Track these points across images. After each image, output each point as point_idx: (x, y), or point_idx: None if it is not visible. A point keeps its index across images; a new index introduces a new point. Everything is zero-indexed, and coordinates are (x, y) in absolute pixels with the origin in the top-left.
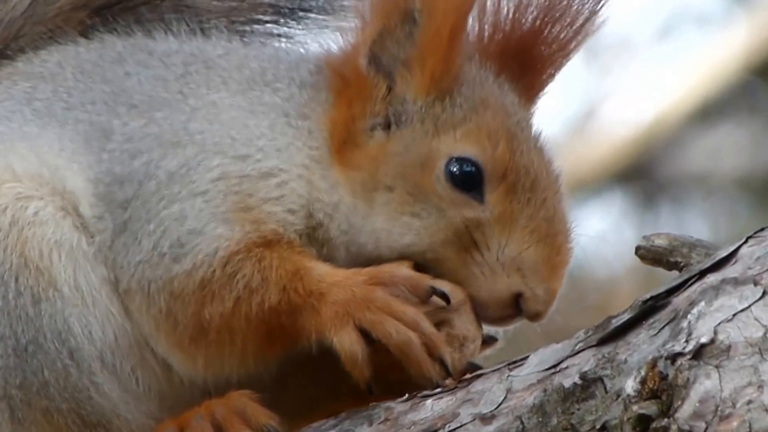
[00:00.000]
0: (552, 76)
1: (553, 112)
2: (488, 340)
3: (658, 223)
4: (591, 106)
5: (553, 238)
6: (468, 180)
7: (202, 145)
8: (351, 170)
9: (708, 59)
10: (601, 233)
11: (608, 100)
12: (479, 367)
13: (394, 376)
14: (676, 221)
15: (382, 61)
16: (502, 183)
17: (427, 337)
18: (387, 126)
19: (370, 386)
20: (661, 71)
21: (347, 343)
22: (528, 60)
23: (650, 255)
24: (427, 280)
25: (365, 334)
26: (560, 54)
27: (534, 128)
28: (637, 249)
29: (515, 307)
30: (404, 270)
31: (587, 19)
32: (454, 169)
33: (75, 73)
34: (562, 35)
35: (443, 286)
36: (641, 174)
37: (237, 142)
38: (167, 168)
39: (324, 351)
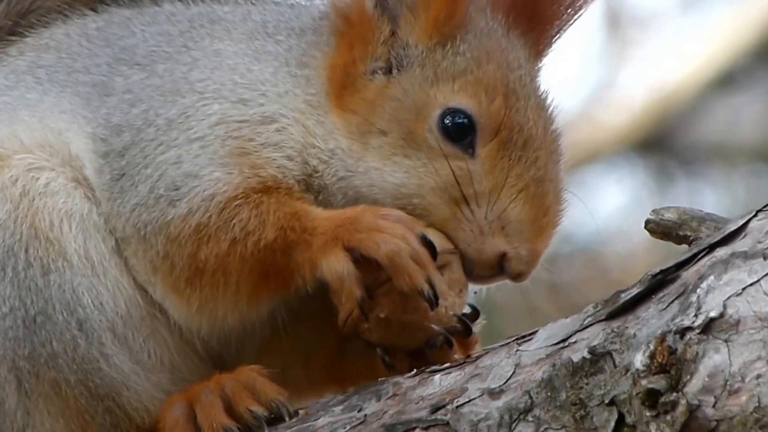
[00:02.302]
0: (560, 31)
1: (572, 82)
2: (473, 315)
3: (677, 194)
4: (610, 76)
5: (541, 198)
6: (460, 132)
7: (202, 93)
8: (348, 113)
9: (727, 28)
10: (620, 204)
11: (627, 69)
12: (479, 313)
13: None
14: (694, 191)
15: (388, 4)
16: (494, 138)
17: (416, 253)
18: (388, 71)
19: (363, 308)
20: (680, 39)
21: (334, 264)
22: (537, 14)
23: (660, 229)
24: (419, 225)
25: (355, 255)
26: (569, 9)
27: (538, 85)
28: (647, 223)
29: (500, 267)
30: (399, 211)
31: None
32: (447, 121)
33: (80, 39)
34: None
35: (433, 235)
36: (659, 144)
37: (239, 86)
38: (166, 115)
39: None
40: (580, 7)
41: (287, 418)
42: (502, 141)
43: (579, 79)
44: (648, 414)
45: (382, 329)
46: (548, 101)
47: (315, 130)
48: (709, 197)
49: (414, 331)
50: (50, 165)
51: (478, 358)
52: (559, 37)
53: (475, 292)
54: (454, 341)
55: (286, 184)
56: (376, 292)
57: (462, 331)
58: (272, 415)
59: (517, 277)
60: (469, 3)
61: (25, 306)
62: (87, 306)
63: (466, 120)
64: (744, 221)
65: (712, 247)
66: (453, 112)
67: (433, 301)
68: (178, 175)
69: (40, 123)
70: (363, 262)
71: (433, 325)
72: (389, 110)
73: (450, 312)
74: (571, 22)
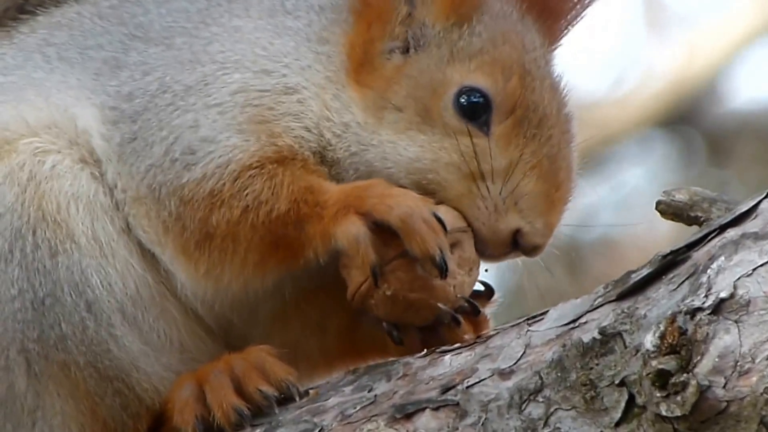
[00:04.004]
0: (572, 23)
1: (597, 60)
2: (487, 294)
3: (701, 172)
4: (635, 53)
5: (554, 174)
6: (475, 110)
7: (223, 63)
8: (365, 89)
9: (754, 3)
10: (643, 183)
11: (652, 47)
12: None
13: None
14: (719, 170)
15: None
16: (509, 116)
17: (429, 219)
18: (405, 50)
19: (376, 275)
20: (707, 15)
21: (349, 228)
22: (548, 5)
23: (671, 210)
24: (430, 203)
25: (368, 221)
26: (580, 3)
27: (553, 68)
28: (658, 204)
29: (513, 245)
30: (410, 191)
31: None
32: (463, 99)
33: (93, 17)
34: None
35: (445, 213)
36: (685, 122)
37: (261, 58)
38: (184, 82)
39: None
40: (590, 2)
41: (297, 398)
42: (517, 119)
43: (603, 57)
44: (658, 395)
45: (388, 306)
46: (562, 84)
47: (331, 104)
48: (734, 176)
49: (420, 310)
50: (56, 147)
51: (488, 338)
52: (571, 29)
53: (486, 270)
54: (465, 320)
55: (302, 155)
56: (383, 269)
57: (469, 310)
58: (282, 395)
59: (533, 251)
60: None
61: (34, 288)
62: (96, 287)
63: (481, 98)
64: (755, 202)
65: (722, 228)
66: (469, 90)
67: (444, 269)
68: (195, 140)
69: (45, 102)
70: (375, 229)
71: (439, 304)
72: (405, 87)
73: (458, 292)
74: (582, 15)
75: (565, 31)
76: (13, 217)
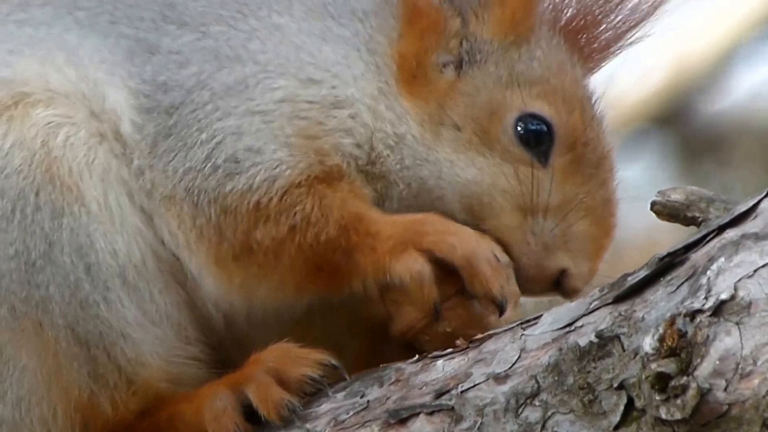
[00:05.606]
0: (600, 61)
1: None
2: None
3: (700, 171)
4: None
5: (606, 219)
6: (536, 139)
7: (265, 65)
8: (420, 101)
9: None
10: (639, 185)
11: (646, 41)
12: None
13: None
14: (717, 169)
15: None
16: (570, 152)
17: (492, 258)
18: (459, 65)
19: (437, 307)
20: (702, 8)
21: (411, 264)
22: (584, 41)
23: (666, 210)
24: (489, 240)
25: (428, 258)
26: (605, 50)
27: (598, 105)
28: (653, 204)
29: (555, 283)
30: (467, 228)
31: (631, 27)
32: (524, 125)
33: None
34: (606, 35)
35: (495, 248)
36: (680, 118)
37: (308, 65)
38: (223, 81)
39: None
40: (613, 52)
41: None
42: (577, 155)
43: None
44: (658, 398)
45: (443, 342)
46: (606, 119)
47: (385, 115)
48: (734, 174)
49: None
50: (72, 120)
51: (481, 343)
52: (596, 69)
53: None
54: None
55: (348, 176)
56: (441, 306)
57: None
58: (323, 377)
59: (572, 293)
60: (539, 6)
61: (28, 249)
62: (100, 250)
63: (544, 127)
64: (754, 202)
65: (721, 229)
66: (531, 117)
67: (504, 308)
68: (240, 148)
69: (75, 71)
70: (433, 266)
71: None
72: (462, 105)
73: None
74: (609, 58)
75: (593, 71)
76: (18, 178)
